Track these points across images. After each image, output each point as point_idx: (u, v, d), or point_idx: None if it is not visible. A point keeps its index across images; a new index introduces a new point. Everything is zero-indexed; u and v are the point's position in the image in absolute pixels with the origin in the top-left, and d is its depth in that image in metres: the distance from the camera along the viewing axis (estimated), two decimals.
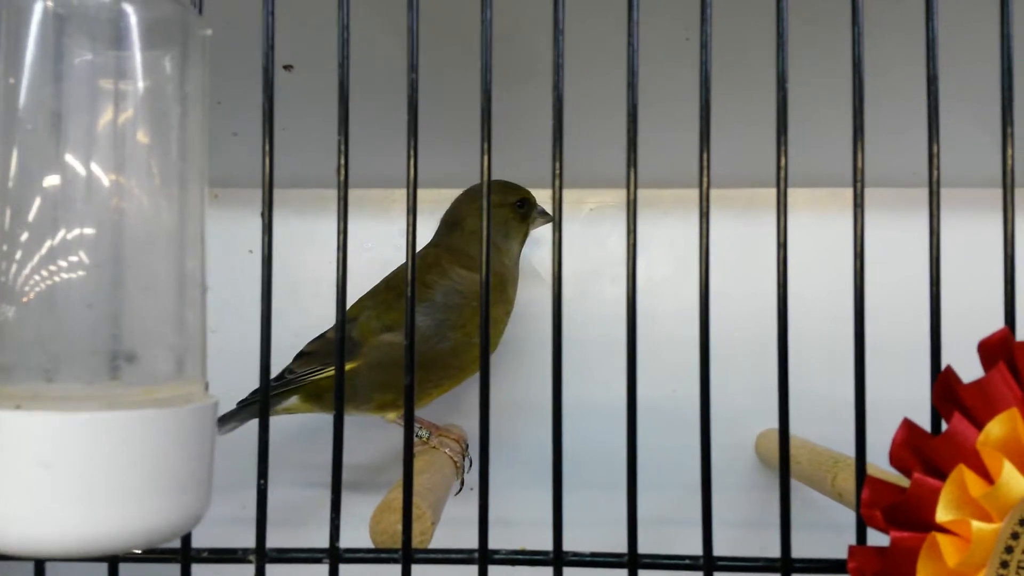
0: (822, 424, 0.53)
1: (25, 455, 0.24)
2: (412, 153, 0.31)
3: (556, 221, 0.31)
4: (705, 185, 0.30)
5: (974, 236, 0.57)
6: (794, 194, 0.63)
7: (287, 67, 0.51)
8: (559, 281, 0.30)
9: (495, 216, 0.56)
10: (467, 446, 0.54)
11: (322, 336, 0.57)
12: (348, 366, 0.54)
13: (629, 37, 0.30)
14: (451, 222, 0.59)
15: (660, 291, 0.64)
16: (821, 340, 0.53)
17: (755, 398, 0.59)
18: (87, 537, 0.24)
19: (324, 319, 0.61)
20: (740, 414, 0.60)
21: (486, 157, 0.30)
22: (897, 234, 0.55)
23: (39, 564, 0.31)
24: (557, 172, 0.30)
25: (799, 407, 0.48)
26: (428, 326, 0.53)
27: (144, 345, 0.27)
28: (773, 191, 0.56)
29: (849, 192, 0.32)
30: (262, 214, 0.32)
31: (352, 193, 0.37)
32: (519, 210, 0.57)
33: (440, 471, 0.44)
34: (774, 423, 0.60)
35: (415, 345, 0.30)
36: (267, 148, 0.31)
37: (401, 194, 0.66)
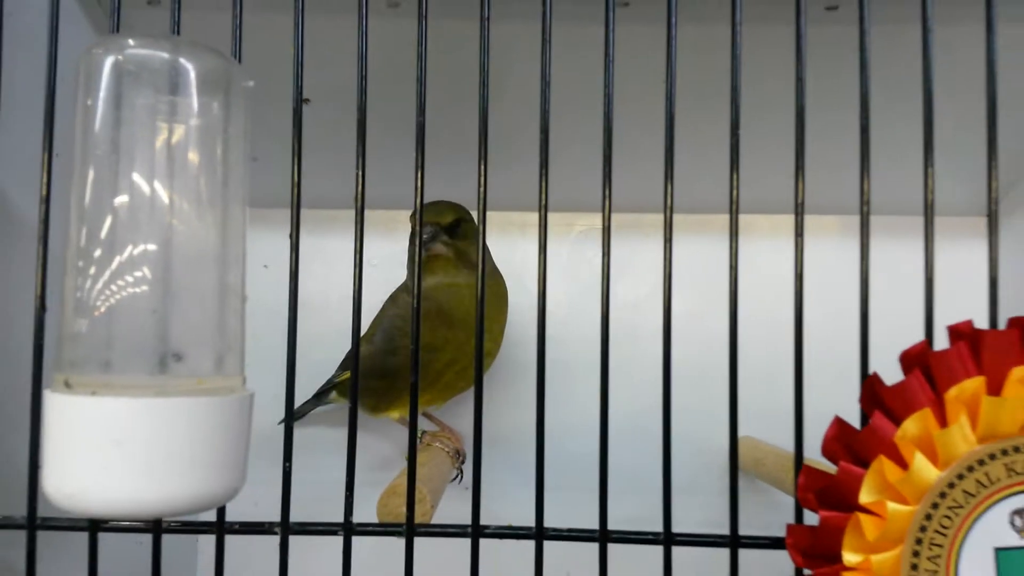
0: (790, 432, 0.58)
1: (99, 433, 0.29)
2: (420, 184, 0.36)
3: (541, 244, 0.36)
4: (668, 215, 0.36)
5: (900, 260, 0.63)
6: (762, 220, 0.69)
7: (305, 100, 0.56)
8: (543, 296, 0.35)
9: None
10: (462, 450, 0.59)
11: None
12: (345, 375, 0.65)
13: (606, 88, 0.36)
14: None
15: (644, 309, 0.69)
16: (789, 357, 0.58)
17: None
18: (147, 501, 0.29)
19: (332, 328, 0.66)
20: (716, 423, 0.65)
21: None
22: (839, 256, 0.60)
23: (93, 535, 0.36)
24: (543, 202, 0.36)
25: (771, 417, 0.53)
26: (378, 345, 0.60)
27: (193, 345, 0.32)
28: (752, 216, 0.61)
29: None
30: (290, 235, 0.37)
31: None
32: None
33: (438, 466, 0.49)
34: (747, 431, 0.65)
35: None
36: (296, 178, 0.36)
37: (406, 215, 0.71)
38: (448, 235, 0.59)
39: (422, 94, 0.36)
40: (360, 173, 0.36)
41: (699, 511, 0.65)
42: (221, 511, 0.36)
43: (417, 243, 0.36)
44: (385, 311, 0.64)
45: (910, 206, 0.65)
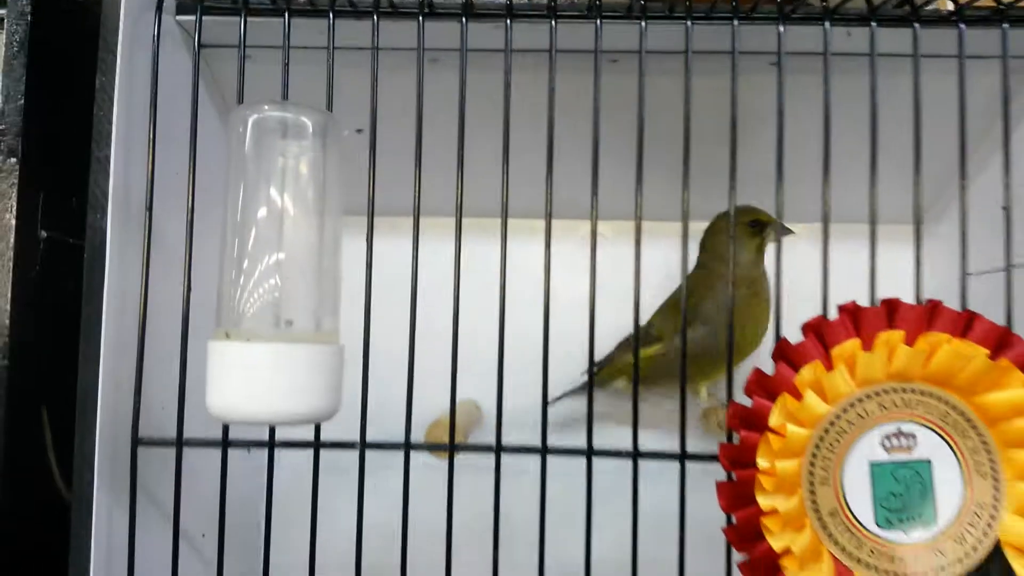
0: None
1: (247, 366, 0.43)
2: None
3: (546, 243, 0.50)
4: (638, 220, 0.50)
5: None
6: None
7: (359, 131, 0.70)
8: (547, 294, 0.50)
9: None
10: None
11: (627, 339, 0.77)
12: (648, 352, 0.75)
13: (595, 129, 0.50)
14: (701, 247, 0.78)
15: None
16: None
17: None
18: (274, 411, 0.43)
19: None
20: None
21: (503, 187, 0.50)
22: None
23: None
24: (548, 210, 0.50)
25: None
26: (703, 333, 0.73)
27: (301, 311, 0.46)
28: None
29: None
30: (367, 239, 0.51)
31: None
32: (751, 228, 0.74)
33: (470, 420, 0.64)
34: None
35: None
36: (371, 194, 0.50)
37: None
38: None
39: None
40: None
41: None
42: (317, 431, 0.50)
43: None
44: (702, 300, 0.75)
45: (847, 215, 0.79)
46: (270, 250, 0.45)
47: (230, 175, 0.45)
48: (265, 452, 0.51)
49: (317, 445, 0.50)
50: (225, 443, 0.50)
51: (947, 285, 0.55)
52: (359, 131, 0.70)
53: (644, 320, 0.77)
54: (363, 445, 0.49)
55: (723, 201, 0.64)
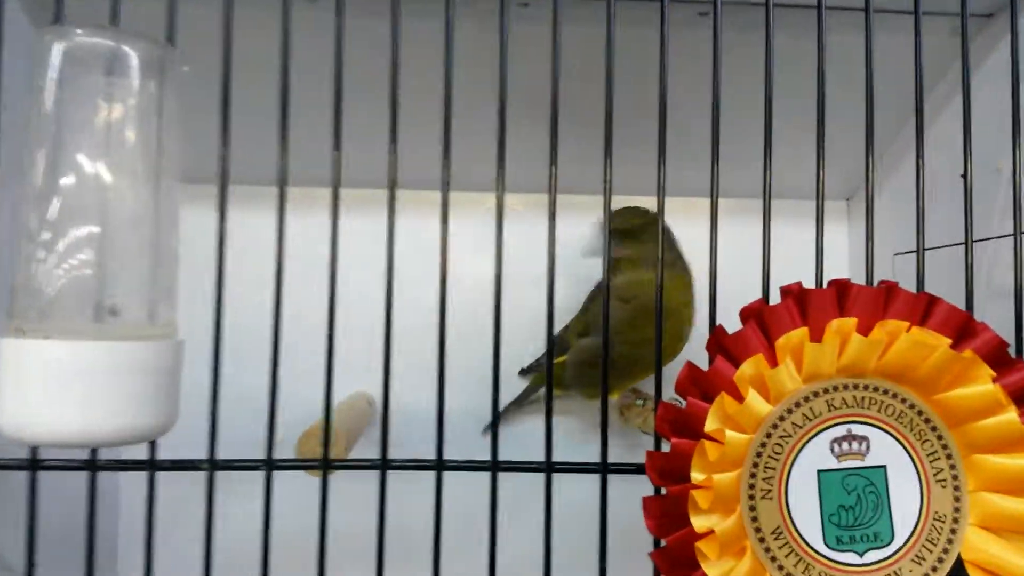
0: None
1: (49, 371, 0.33)
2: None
3: (443, 215, 0.41)
4: (553, 194, 0.41)
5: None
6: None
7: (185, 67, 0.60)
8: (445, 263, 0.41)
9: None
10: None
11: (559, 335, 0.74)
12: (560, 359, 0.72)
13: (502, 86, 0.41)
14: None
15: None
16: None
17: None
18: (94, 430, 0.33)
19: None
20: None
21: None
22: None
23: (32, 475, 0.40)
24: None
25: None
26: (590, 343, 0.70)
27: (128, 298, 0.36)
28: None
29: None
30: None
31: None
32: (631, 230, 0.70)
33: (355, 416, 0.54)
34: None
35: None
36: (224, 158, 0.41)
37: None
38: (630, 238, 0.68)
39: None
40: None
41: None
42: (153, 449, 0.40)
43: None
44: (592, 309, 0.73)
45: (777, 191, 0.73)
46: (83, 219, 0.35)
47: (31, 120, 0.35)
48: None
49: (152, 465, 0.40)
50: (35, 465, 0.39)
51: (879, 265, 0.49)
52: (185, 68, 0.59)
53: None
54: (212, 465, 0.40)
55: (646, 174, 0.57)
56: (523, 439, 0.68)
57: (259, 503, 0.40)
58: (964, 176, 0.44)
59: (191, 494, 0.41)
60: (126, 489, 0.71)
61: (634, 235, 0.68)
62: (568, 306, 0.73)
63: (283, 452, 0.42)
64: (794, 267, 0.44)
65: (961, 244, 0.45)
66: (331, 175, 0.41)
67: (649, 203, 0.73)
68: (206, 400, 0.40)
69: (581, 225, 0.65)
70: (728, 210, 0.76)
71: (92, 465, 0.40)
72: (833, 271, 0.43)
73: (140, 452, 0.40)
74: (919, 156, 0.44)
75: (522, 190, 0.60)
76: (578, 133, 0.49)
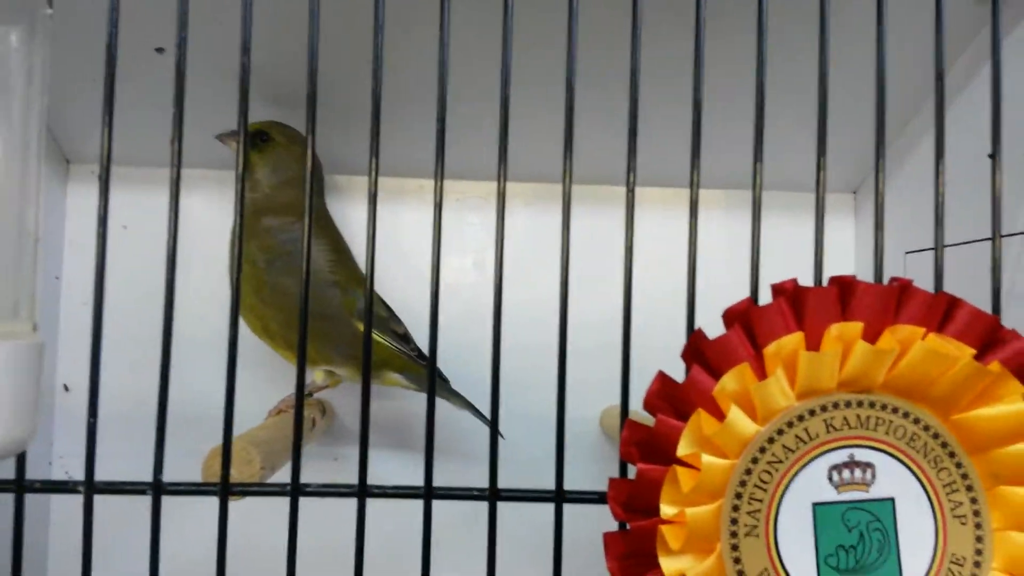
0: None
1: None
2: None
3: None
4: (502, 185, 0.35)
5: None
6: (644, 193, 0.69)
7: (159, 50, 0.54)
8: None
9: None
10: (322, 412, 0.59)
11: None
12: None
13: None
14: None
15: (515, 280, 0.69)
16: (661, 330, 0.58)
17: (599, 378, 0.64)
18: None
19: None
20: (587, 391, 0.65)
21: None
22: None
23: None
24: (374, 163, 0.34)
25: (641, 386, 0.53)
26: None
27: None
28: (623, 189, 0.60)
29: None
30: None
31: None
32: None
33: (285, 432, 0.47)
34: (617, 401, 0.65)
35: None
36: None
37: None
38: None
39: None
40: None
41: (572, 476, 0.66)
42: (21, 469, 0.33)
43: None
44: None
45: (776, 182, 0.67)
46: None
47: None
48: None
49: (21, 486, 0.34)
50: None
51: (890, 265, 0.42)
52: (160, 50, 0.53)
53: None
54: (89, 487, 0.33)
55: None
56: None
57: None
58: (992, 156, 0.37)
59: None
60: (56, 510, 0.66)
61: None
62: None
63: None
64: (797, 267, 0.38)
65: (983, 240, 0.38)
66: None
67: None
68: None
69: None
70: (729, 203, 0.70)
71: None
72: (838, 272, 0.36)
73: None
74: (939, 129, 0.37)
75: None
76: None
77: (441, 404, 0.55)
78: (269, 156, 0.58)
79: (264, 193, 0.58)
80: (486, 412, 0.60)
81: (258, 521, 0.47)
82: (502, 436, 0.36)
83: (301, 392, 0.34)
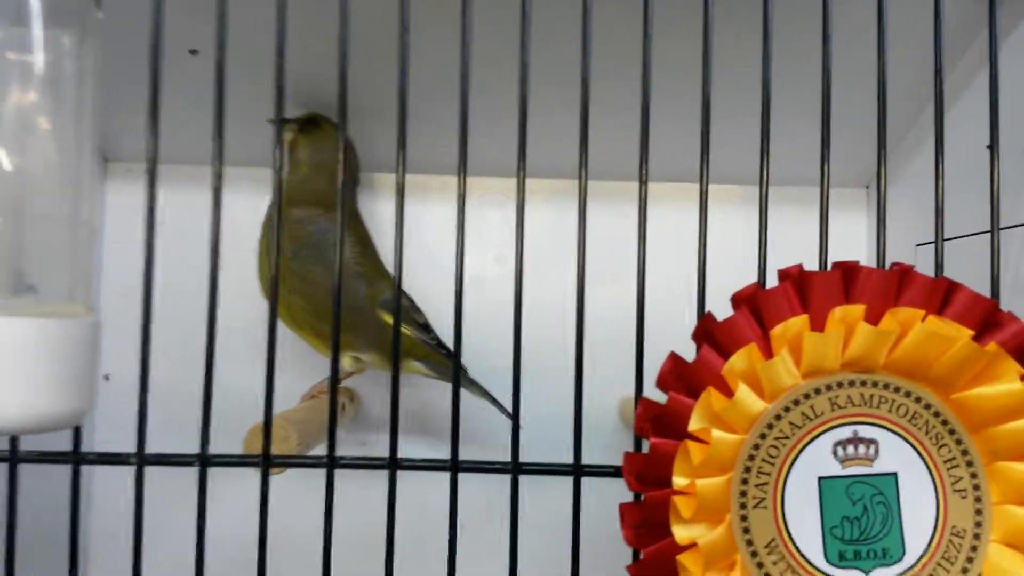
0: None
1: None
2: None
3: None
4: (522, 180, 0.37)
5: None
6: (655, 188, 0.70)
7: (193, 51, 0.56)
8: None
9: None
10: (351, 399, 0.61)
11: None
12: None
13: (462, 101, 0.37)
14: None
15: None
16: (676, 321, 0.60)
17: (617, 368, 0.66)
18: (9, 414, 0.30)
19: None
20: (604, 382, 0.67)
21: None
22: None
23: None
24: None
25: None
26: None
27: (42, 273, 0.33)
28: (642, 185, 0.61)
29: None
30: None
31: None
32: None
33: (318, 415, 0.50)
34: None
35: None
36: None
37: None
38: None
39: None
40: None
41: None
42: (77, 442, 0.36)
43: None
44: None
45: (791, 177, 0.68)
46: None
47: None
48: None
49: (77, 458, 0.36)
50: None
51: (901, 258, 0.44)
52: (194, 52, 0.56)
53: None
54: (141, 459, 0.36)
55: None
56: None
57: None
58: (991, 147, 0.39)
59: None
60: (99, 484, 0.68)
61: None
62: None
63: None
64: (811, 260, 0.40)
65: (987, 232, 0.40)
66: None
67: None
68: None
69: None
70: (742, 198, 0.72)
71: (13, 458, 0.36)
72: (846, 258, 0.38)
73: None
74: (938, 128, 0.39)
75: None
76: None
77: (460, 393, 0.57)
78: (315, 139, 0.62)
79: (302, 175, 0.61)
80: (503, 401, 0.62)
81: (290, 503, 0.50)
82: (520, 420, 0.38)
83: (335, 372, 0.37)
